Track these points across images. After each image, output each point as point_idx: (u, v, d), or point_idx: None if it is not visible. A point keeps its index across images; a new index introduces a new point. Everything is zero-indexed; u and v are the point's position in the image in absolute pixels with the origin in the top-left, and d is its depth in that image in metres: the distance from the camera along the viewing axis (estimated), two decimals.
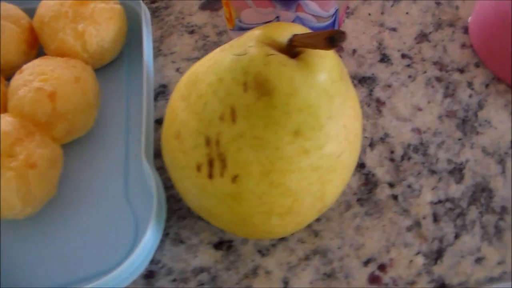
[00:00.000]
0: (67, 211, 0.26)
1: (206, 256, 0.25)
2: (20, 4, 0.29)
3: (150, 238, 0.22)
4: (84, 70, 0.27)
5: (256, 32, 0.20)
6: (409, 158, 0.28)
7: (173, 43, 0.32)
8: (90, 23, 0.27)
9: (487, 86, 0.31)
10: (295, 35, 0.18)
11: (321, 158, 0.20)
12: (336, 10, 0.28)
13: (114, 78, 0.30)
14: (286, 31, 0.19)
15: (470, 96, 0.30)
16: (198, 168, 0.20)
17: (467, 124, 0.29)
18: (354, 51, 0.32)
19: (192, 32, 0.33)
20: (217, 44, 0.32)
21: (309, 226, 0.26)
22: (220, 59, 0.20)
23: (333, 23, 0.29)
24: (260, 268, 0.25)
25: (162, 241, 0.26)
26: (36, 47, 0.29)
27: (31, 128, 0.25)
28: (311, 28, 0.28)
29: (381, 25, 0.33)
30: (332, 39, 0.16)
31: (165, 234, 0.26)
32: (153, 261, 0.25)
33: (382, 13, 0.34)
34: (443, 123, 0.29)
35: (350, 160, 0.21)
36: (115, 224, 0.26)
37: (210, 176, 0.20)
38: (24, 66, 0.26)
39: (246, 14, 0.28)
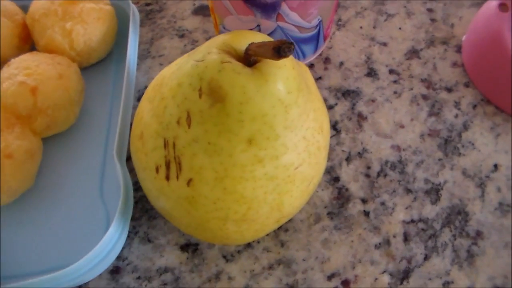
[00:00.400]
0: (43, 203, 0.27)
1: (171, 257, 0.25)
2: (16, 0, 0.31)
3: (112, 234, 0.23)
4: (69, 67, 0.27)
5: (218, 39, 0.20)
6: (385, 175, 0.28)
7: (163, 46, 0.33)
8: (78, 22, 0.28)
9: (474, 107, 0.30)
10: (250, 44, 0.18)
11: (277, 168, 0.20)
12: (320, 22, 0.28)
13: (101, 77, 0.31)
14: (246, 39, 0.20)
15: (456, 116, 0.30)
16: (157, 169, 0.21)
17: (450, 144, 0.29)
18: (341, 63, 0.32)
19: (182, 36, 0.33)
20: None
21: (276, 235, 0.26)
22: (183, 64, 0.20)
23: (317, 34, 0.29)
24: (223, 273, 0.25)
25: (131, 239, 0.26)
26: (29, 43, 0.30)
27: (12, 120, 0.25)
28: (293, 38, 0.28)
29: (372, 39, 0.33)
30: (279, 49, 0.17)
31: (135, 233, 0.26)
32: (120, 258, 0.26)
33: (374, 27, 0.33)
34: (424, 142, 0.29)
35: (311, 172, 0.21)
36: (88, 219, 0.26)
37: (167, 178, 0.20)
38: (12, 60, 0.27)
39: (229, 21, 0.28)
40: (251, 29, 0.28)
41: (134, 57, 0.29)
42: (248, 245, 0.26)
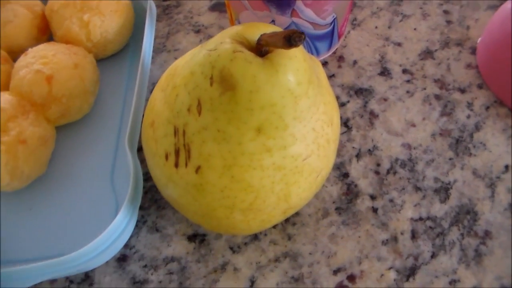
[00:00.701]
0: (53, 190, 0.27)
1: (178, 247, 0.26)
2: None
3: (120, 221, 0.23)
4: (85, 58, 0.28)
5: (232, 30, 0.20)
6: (395, 173, 0.28)
7: (178, 41, 0.33)
8: (96, 14, 0.28)
9: (487, 108, 0.30)
10: (262, 34, 0.19)
11: (285, 158, 0.20)
12: (334, 19, 0.28)
13: (116, 70, 0.31)
14: (259, 30, 0.20)
15: (468, 116, 0.30)
16: (166, 156, 0.21)
17: (461, 144, 0.29)
18: (355, 62, 0.32)
19: (198, 31, 0.34)
20: None
21: (283, 229, 0.26)
22: (196, 54, 0.21)
23: (332, 32, 0.29)
24: (229, 264, 0.25)
25: (139, 228, 0.26)
26: (46, 33, 0.31)
27: (27, 107, 0.26)
28: (307, 35, 0.28)
29: (387, 39, 0.33)
30: (289, 38, 0.17)
31: (143, 222, 0.27)
32: (128, 246, 0.26)
33: (389, 27, 0.33)
34: (435, 141, 0.29)
35: (319, 164, 0.22)
36: (97, 207, 0.27)
37: (176, 165, 0.21)
38: (29, 50, 0.27)
39: (244, 16, 0.28)
40: None
41: (149, 49, 0.29)
42: (255, 237, 0.26)
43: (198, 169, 0.20)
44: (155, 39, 0.33)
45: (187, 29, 0.34)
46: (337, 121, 0.23)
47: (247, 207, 0.21)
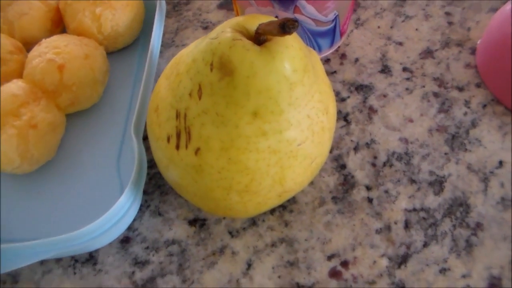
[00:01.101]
0: (62, 175, 0.28)
1: (179, 230, 0.27)
2: None
3: (124, 202, 0.24)
4: (96, 49, 0.29)
5: (233, 20, 0.21)
6: (391, 165, 0.28)
7: (186, 36, 0.34)
8: (107, 8, 0.30)
9: (484, 106, 0.31)
10: (260, 24, 0.20)
11: (280, 142, 0.21)
12: (336, 16, 0.29)
13: (125, 62, 0.33)
14: (258, 21, 0.21)
15: (465, 114, 0.30)
16: (168, 139, 0.22)
17: (457, 140, 0.29)
18: (357, 59, 0.33)
19: (206, 28, 0.35)
20: None
21: (281, 215, 0.27)
22: (199, 43, 0.22)
23: (334, 29, 0.30)
24: (228, 248, 0.26)
25: (142, 212, 0.27)
26: (60, 26, 0.32)
27: (39, 94, 0.27)
28: (310, 31, 0.29)
29: (388, 38, 0.34)
30: (283, 26, 0.18)
31: (146, 206, 0.28)
32: (131, 229, 0.27)
33: (391, 27, 0.34)
34: (432, 136, 0.29)
35: (313, 150, 0.22)
36: (103, 192, 0.28)
37: (177, 147, 0.22)
38: (43, 40, 0.29)
39: (249, 12, 0.29)
40: None
41: (158, 43, 0.30)
42: (253, 223, 0.27)
43: (197, 151, 0.21)
44: (164, 34, 0.35)
45: (196, 25, 0.35)
46: (333, 111, 0.24)
47: (243, 189, 0.22)
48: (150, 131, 0.24)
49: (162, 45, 0.34)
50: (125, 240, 0.27)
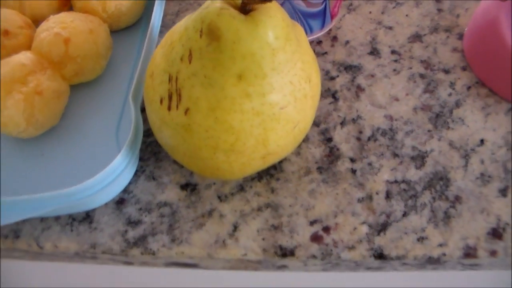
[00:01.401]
0: (64, 140, 0.30)
1: (171, 194, 0.28)
2: None
3: (119, 162, 0.26)
4: (100, 25, 0.31)
5: None
6: (375, 140, 0.30)
7: None
8: None
9: (469, 88, 0.32)
10: None
11: (263, 105, 0.23)
12: None
13: (128, 40, 0.35)
14: None
15: (450, 94, 0.32)
16: (161, 101, 0.24)
17: (440, 118, 0.31)
18: (347, 42, 0.34)
19: None
20: None
21: (268, 183, 0.28)
22: (192, 14, 0.23)
23: (324, 11, 0.32)
24: (216, 211, 0.28)
25: (137, 176, 0.29)
26: (67, 5, 0.34)
27: (45, 65, 0.29)
28: (301, 12, 0.31)
29: (379, 23, 0.35)
30: None
31: (142, 171, 0.29)
32: (126, 191, 0.29)
33: (382, 12, 0.36)
34: (416, 114, 0.31)
35: (296, 116, 0.24)
36: (103, 157, 0.30)
37: (169, 108, 0.24)
38: (51, 16, 0.31)
39: None
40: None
41: (158, 21, 0.32)
42: (241, 189, 0.28)
43: (187, 111, 0.23)
44: (166, 15, 0.36)
45: (196, 8, 0.37)
46: (316, 81, 0.25)
47: (229, 148, 0.23)
48: (145, 95, 0.25)
49: (163, 26, 0.36)
50: (120, 202, 0.28)
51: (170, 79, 0.23)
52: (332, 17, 0.33)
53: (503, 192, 0.28)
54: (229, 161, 0.24)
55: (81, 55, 0.30)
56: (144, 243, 0.27)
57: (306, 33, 0.33)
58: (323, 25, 0.33)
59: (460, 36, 0.34)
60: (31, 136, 0.29)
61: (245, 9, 0.22)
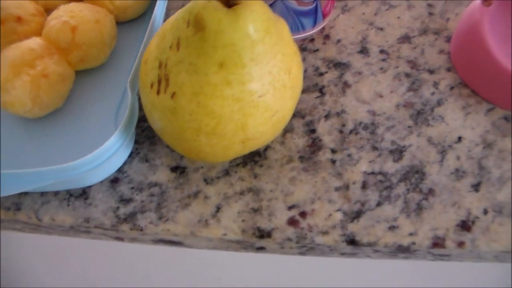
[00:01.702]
0: (67, 122, 0.33)
1: (162, 175, 0.30)
2: None
3: (113, 142, 0.28)
4: (106, 16, 0.34)
5: None
6: (356, 133, 0.31)
7: None
8: None
9: (452, 88, 0.33)
10: None
11: (242, 92, 0.24)
12: None
13: (133, 32, 0.37)
14: None
15: (433, 93, 0.33)
16: (152, 85, 0.26)
17: (421, 116, 0.32)
18: (339, 40, 0.36)
19: None
20: None
21: (251, 168, 0.30)
22: (185, 6, 0.26)
23: (315, 9, 0.33)
24: (202, 193, 0.30)
25: (132, 158, 0.31)
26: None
27: (53, 50, 0.32)
28: (293, 10, 0.33)
29: (371, 24, 0.37)
30: None
31: (136, 153, 0.32)
32: (121, 171, 0.31)
33: (375, 14, 0.37)
34: (398, 111, 0.32)
35: (274, 104, 0.26)
36: (102, 138, 0.32)
37: (158, 92, 0.26)
38: (61, 6, 0.33)
39: None
40: None
41: (161, 14, 0.34)
42: (227, 173, 0.30)
43: (173, 95, 0.25)
44: (170, 10, 0.39)
45: None
46: (297, 73, 0.27)
47: (210, 131, 0.25)
48: (140, 80, 0.28)
49: (166, 20, 0.38)
50: (114, 180, 0.31)
51: (160, 65, 0.25)
52: (324, 16, 0.35)
53: (475, 187, 0.29)
54: (211, 144, 0.26)
55: (87, 43, 0.32)
56: (134, 220, 0.29)
57: (298, 30, 0.35)
58: (315, 23, 0.35)
59: (448, 39, 0.36)
60: (36, 116, 0.32)
61: (229, 3, 0.24)
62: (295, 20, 0.34)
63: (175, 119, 0.26)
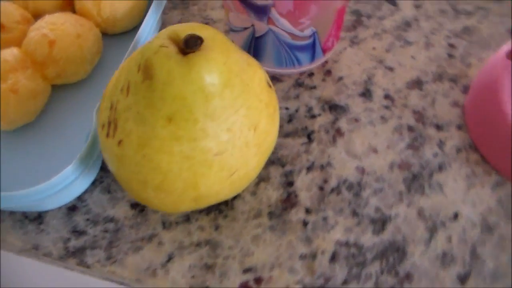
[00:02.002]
0: (39, 137, 0.31)
1: (120, 210, 0.28)
2: None
3: (66, 173, 0.26)
4: (90, 30, 0.32)
5: (172, 27, 0.22)
6: (338, 193, 0.28)
7: None
8: None
9: (459, 151, 0.29)
10: (186, 35, 0.20)
11: (193, 150, 0.22)
12: (314, 33, 0.29)
13: (122, 46, 0.35)
14: (192, 31, 0.22)
15: (436, 155, 0.29)
16: (103, 126, 0.24)
17: (416, 181, 0.28)
18: (340, 78, 0.32)
19: (206, 24, 0.36)
20: None
21: (215, 218, 0.28)
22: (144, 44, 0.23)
23: (312, 45, 0.30)
24: (157, 237, 0.27)
25: (95, 186, 0.29)
26: (71, 5, 0.35)
27: (28, 64, 0.30)
28: (286, 44, 0.29)
29: (380, 61, 0.33)
30: (187, 42, 0.19)
31: (100, 182, 0.30)
32: (81, 199, 0.29)
33: (387, 50, 0.33)
34: (391, 172, 0.28)
35: (234, 163, 0.23)
36: (71, 158, 0.30)
37: (107, 135, 0.23)
38: (46, 16, 0.32)
39: (231, 16, 0.30)
40: (246, 28, 0.29)
41: (148, 31, 0.32)
42: (187, 219, 0.28)
43: (120, 142, 0.23)
44: (166, 24, 0.36)
45: (198, 21, 0.36)
46: (266, 128, 0.24)
47: (157, 186, 0.23)
48: (98, 116, 0.25)
49: None
50: (72, 208, 0.29)
51: (111, 107, 0.23)
52: (324, 51, 0.31)
53: (462, 279, 0.25)
54: (159, 197, 0.24)
55: (64, 58, 0.30)
56: (82, 255, 0.27)
57: (294, 65, 0.31)
58: (313, 59, 0.31)
59: (466, 89, 0.31)
60: (5, 129, 0.30)
61: (184, 50, 0.21)
62: (289, 54, 0.30)
63: (122, 167, 0.23)
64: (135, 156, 0.22)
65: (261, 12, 0.27)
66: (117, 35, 0.35)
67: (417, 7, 0.35)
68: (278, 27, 0.28)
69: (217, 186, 0.23)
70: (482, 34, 0.33)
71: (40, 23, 0.31)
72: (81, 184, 0.28)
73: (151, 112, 0.21)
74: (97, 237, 0.28)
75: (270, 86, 0.25)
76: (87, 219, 0.28)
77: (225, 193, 0.24)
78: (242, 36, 0.31)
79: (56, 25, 0.31)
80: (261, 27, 0.29)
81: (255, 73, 0.24)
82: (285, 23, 0.28)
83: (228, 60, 0.21)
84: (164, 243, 0.27)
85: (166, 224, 0.28)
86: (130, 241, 0.27)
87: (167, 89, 0.21)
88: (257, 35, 0.29)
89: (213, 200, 0.24)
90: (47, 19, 0.31)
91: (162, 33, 0.22)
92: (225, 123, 0.22)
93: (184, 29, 0.22)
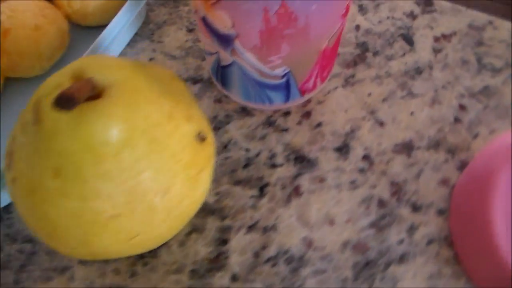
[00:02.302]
0: None
1: None
2: None
3: None
4: (53, 23, 0.29)
5: (80, 62, 0.19)
6: (274, 265, 0.24)
7: (167, 34, 0.32)
8: None
9: (430, 242, 0.24)
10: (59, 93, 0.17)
11: (83, 209, 0.19)
12: (287, 73, 0.24)
13: (92, 41, 0.32)
14: (100, 68, 0.18)
15: (400, 242, 0.24)
16: (5, 155, 0.21)
17: (368, 269, 0.24)
18: (319, 124, 0.28)
19: (191, 30, 0.32)
20: (199, 52, 0.31)
21: (134, 263, 0.25)
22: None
23: (286, 85, 0.25)
24: (70, 271, 0.25)
25: None
26: None
27: None
28: (254, 80, 0.25)
29: (372, 112, 0.28)
30: (58, 101, 0.15)
31: None
32: (7, 210, 0.27)
33: (384, 99, 0.28)
34: (342, 252, 0.24)
35: (133, 227, 0.20)
36: None
37: (7, 166, 0.21)
38: (12, 1, 0.29)
39: (201, 37, 0.26)
40: (212, 54, 0.25)
41: (118, 29, 0.29)
42: (109, 259, 0.25)
43: (14, 180, 0.20)
44: (148, 23, 0.32)
45: (183, 24, 0.32)
46: (180, 191, 0.20)
47: (48, 235, 0.20)
48: None
49: (138, 35, 0.32)
50: None
51: (13, 137, 0.20)
52: (302, 92, 0.26)
53: None
54: (54, 245, 0.21)
55: (17, 52, 0.28)
56: None
57: (263, 102, 0.27)
58: (287, 100, 0.27)
59: (462, 166, 0.26)
60: None
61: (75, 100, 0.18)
62: (258, 91, 0.26)
63: (16, 205, 0.21)
64: (25, 200, 0.20)
65: (224, 41, 0.23)
66: (94, 27, 0.32)
67: (436, 51, 0.29)
68: (243, 60, 0.24)
69: (114, 247, 0.20)
70: (503, 100, 0.27)
71: (3, 7, 0.28)
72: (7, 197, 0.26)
73: (38, 160, 0.18)
74: (11, 257, 0.26)
75: (203, 140, 0.21)
76: (7, 234, 0.26)
77: (125, 253, 0.21)
78: (211, 60, 0.27)
79: (16, 12, 0.28)
80: (225, 56, 0.24)
81: (176, 128, 0.20)
82: (251, 58, 0.23)
83: (133, 115, 0.18)
84: (75, 279, 0.25)
85: (83, 262, 0.25)
86: (42, 269, 0.25)
87: (53, 140, 0.18)
88: (222, 64, 0.25)
89: (113, 256, 0.22)
90: (10, 4, 0.28)
91: (67, 69, 0.19)
92: (123, 186, 0.19)
93: (94, 68, 0.18)
